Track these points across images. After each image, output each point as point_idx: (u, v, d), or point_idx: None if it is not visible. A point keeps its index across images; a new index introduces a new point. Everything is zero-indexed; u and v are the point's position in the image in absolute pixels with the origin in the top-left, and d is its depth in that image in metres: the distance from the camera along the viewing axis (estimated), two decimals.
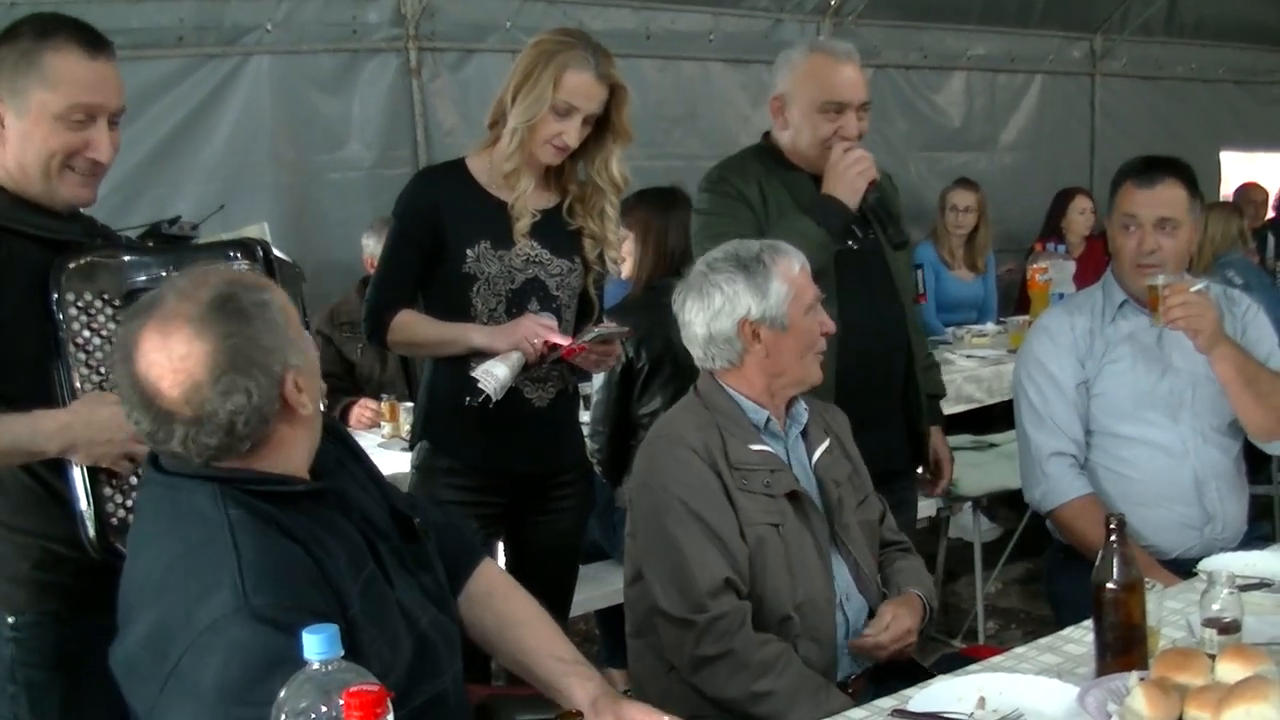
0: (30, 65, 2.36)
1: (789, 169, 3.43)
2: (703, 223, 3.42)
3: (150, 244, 2.54)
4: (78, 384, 2.36)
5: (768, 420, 2.82)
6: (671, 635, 2.70)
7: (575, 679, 2.15)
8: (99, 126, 2.44)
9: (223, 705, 1.71)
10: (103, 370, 2.37)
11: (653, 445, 2.82)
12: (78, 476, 2.34)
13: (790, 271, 2.78)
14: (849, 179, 3.28)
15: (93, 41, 2.43)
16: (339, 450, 2.21)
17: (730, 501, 2.69)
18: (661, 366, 4.13)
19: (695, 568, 2.63)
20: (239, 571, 1.78)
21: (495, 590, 2.33)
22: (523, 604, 2.31)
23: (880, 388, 3.46)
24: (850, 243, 3.36)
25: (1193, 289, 3.10)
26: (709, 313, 2.79)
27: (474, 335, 3.17)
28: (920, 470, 3.78)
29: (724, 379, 2.84)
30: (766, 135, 3.55)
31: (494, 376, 3.08)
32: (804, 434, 2.90)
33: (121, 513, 2.36)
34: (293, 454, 1.98)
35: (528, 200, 3.19)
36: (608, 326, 3.22)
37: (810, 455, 2.88)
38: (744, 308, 2.76)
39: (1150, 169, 3.33)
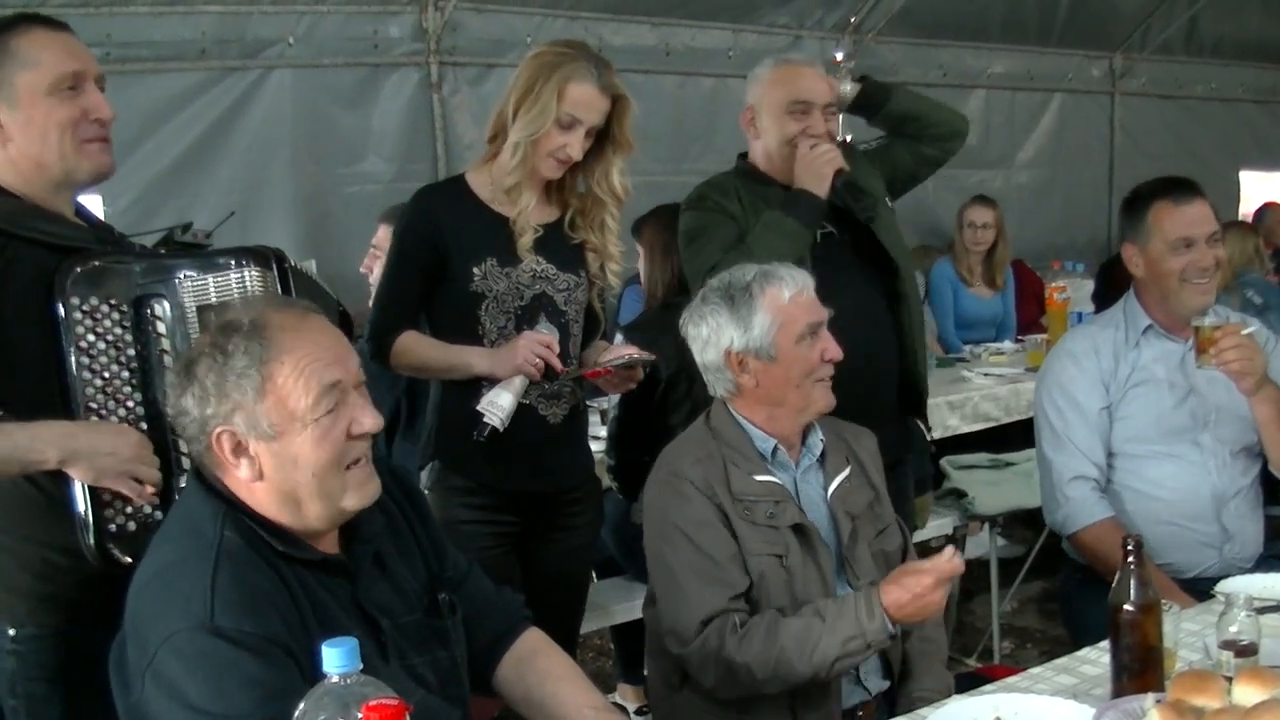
0: (3, 55, 2.38)
1: (765, 183, 3.51)
2: (687, 240, 3.51)
3: (162, 250, 2.52)
4: (81, 391, 2.34)
5: (775, 450, 2.79)
6: (683, 666, 2.71)
7: None
8: (90, 90, 2.44)
9: (190, 713, 1.80)
10: (106, 375, 2.35)
11: (657, 477, 2.80)
12: (77, 484, 2.31)
13: (778, 300, 2.74)
14: (815, 169, 3.39)
15: (50, 20, 2.45)
16: (396, 515, 2.24)
17: (733, 532, 2.67)
18: (678, 383, 4.13)
19: (692, 598, 2.63)
20: (210, 592, 1.84)
21: (539, 651, 2.37)
22: (560, 662, 2.37)
23: (867, 380, 3.40)
24: (823, 231, 3.46)
25: (1244, 332, 3.10)
26: (699, 343, 2.81)
27: (475, 362, 3.15)
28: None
29: (733, 406, 2.82)
30: (742, 156, 3.67)
31: (499, 408, 3.08)
32: (822, 463, 2.86)
33: (121, 519, 2.34)
34: (271, 509, 2.00)
35: (530, 216, 3.18)
36: (634, 353, 3.20)
37: (827, 485, 2.83)
38: (727, 339, 2.75)
39: (1181, 186, 3.34)
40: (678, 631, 2.64)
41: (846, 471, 2.85)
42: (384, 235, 4.27)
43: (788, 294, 2.75)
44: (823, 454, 2.86)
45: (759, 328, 2.73)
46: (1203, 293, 3.28)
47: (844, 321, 3.27)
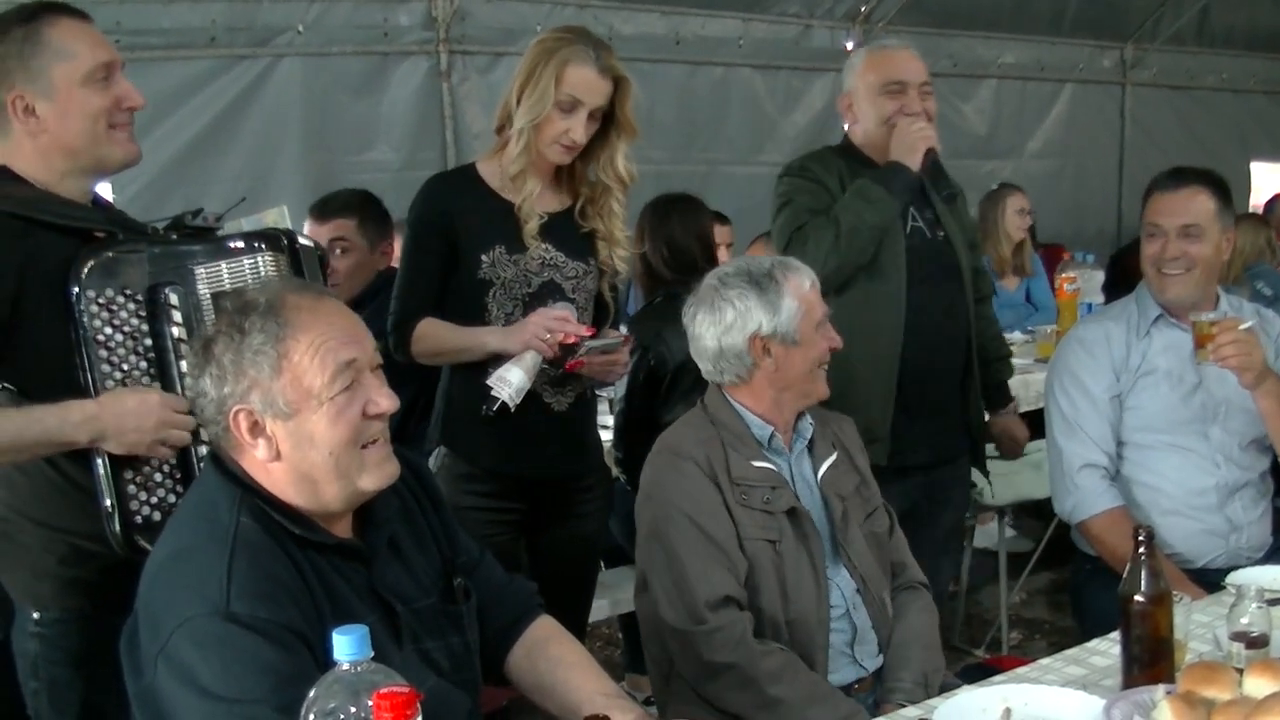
0: (37, 45, 2.38)
1: (865, 164, 3.55)
2: (779, 203, 3.57)
3: (175, 236, 2.53)
4: (101, 381, 2.35)
5: (771, 436, 2.83)
6: (676, 647, 2.72)
7: (616, 711, 2.18)
8: (119, 79, 2.47)
9: (204, 698, 1.80)
10: (125, 367, 2.37)
11: (657, 458, 2.84)
12: (101, 473, 2.33)
13: (801, 288, 2.80)
14: (909, 142, 3.45)
15: (73, 9, 2.47)
16: (410, 501, 2.24)
17: (730, 515, 2.71)
18: (684, 372, 4.11)
19: (696, 580, 2.65)
20: (227, 578, 1.85)
21: (551, 638, 2.37)
22: (572, 649, 2.37)
23: (940, 375, 3.58)
24: (912, 219, 3.54)
25: (1242, 327, 3.10)
26: (720, 327, 2.81)
27: (488, 339, 3.15)
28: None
29: (731, 393, 2.86)
30: (846, 137, 3.70)
31: (507, 383, 3.05)
32: (810, 448, 2.90)
33: (146, 510, 2.36)
34: (288, 490, 2.00)
35: (535, 202, 3.18)
36: (605, 337, 3.21)
37: (816, 469, 2.88)
38: (755, 323, 2.77)
39: (1176, 176, 3.34)
40: (688, 610, 2.65)
41: (834, 457, 2.91)
42: (314, 230, 4.20)
43: (808, 283, 2.82)
44: (810, 440, 2.91)
45: (787, 312, 2.77)
46: (1171, 284, 3.31)
47: (928, 318, 3.47)
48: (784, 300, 2.77)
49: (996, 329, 3.97)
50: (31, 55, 2.38)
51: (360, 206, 4.24)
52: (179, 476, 2.40)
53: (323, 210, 4.20)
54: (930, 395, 3.53)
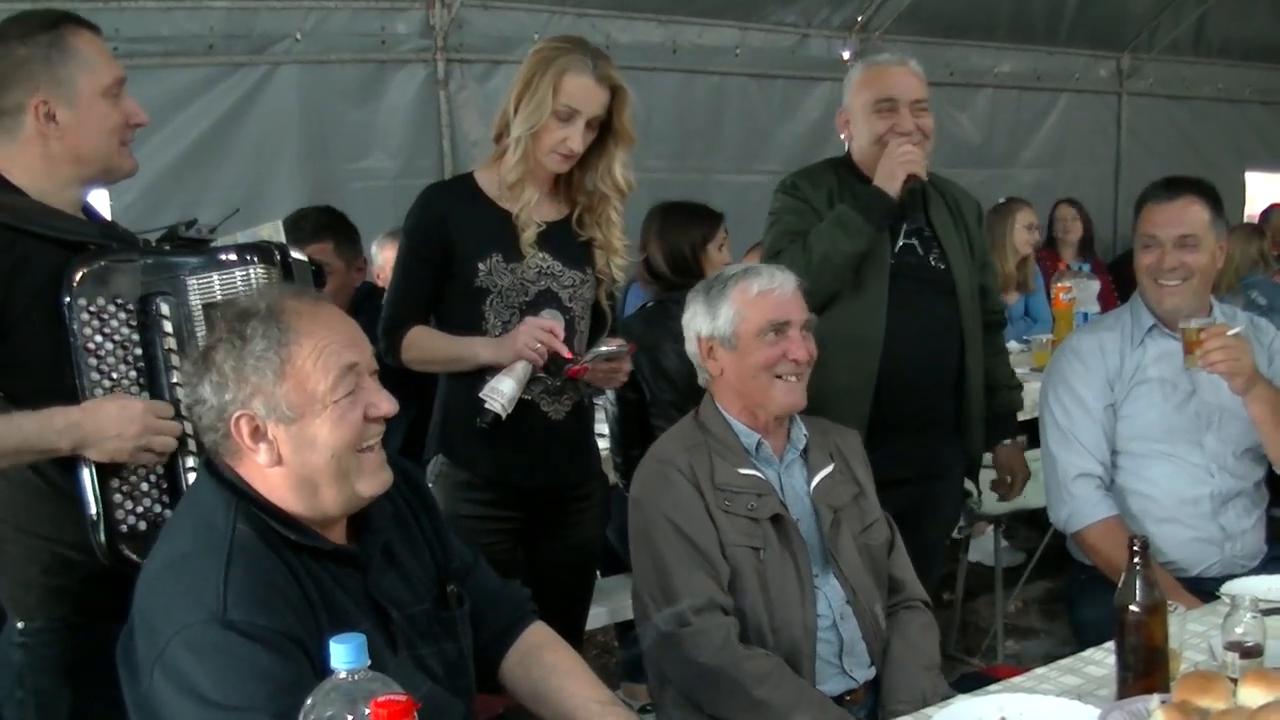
0: (64, 53, 2.40)
1: (860, 180, 3.53)
2: (772, 222, 3.59)
3: (168, 247, 2.53)
4: (90, 390, 2.34)
5: (759, 444, 2.86)
6: (664, 651, 2.74)
7: (612, 718, 2.20)
8: (126, 95, 2.50)
9: (202, 705, 1.80)
10: (114, 376, 2.36)
11: (645, 466, 2.89)
12: (87, 482, 2.32)
13: (746, 294, 2.87)
14: (889, 167, 3.42)
15: (91, 23, 2.49)
16: (403, 507, 2.25)
17: (712, 521, 2.74)
18: (666, 379, 4.11)
19: (679, 584, 2.69)
20: (224, 585, 1.85)
21: (545, 645, 2.38)
22: (567, 656, 2.38)
23: (926, 393, 3.56)
24: (904, 237, 3.53)
25: (1230, 332, 3.10)
26: (685, 332, 2.97)
27: (480, 351, 3.16)
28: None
29: (718, 400, 2.92)
30: (848, 151, 3.69)
31: (500, 393, 3.08)
32: (805, 458, 2.92)
33: (131, 520, 2.35)
34: (287, 496, 2.01)
35: (533, 211, 3.19)
36: (610, 344, 3.22)
37: (810, 480, 2.89)
38: (698, 326, 2.93)
39: (1169, 187, 3.35)
40: (673, 613, 2.68)
41: (829, 468, 2.93)
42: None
43: (756, 288, 2.88)
44: (806, 449, 2.93)
45: (723, 317, 2.88)
46: (1169, 294, 3.31)
47: (911, 335, 3.47)
48: (722, 305, 2.89)
49: (1006, 358, 3.94)
50: (60, 63, 2.39)
51: (333, 227, 4.25)
52: (165, 487, 2.39)
53: (295, 235, 4.16)
54: (913, 412, 3.51)
